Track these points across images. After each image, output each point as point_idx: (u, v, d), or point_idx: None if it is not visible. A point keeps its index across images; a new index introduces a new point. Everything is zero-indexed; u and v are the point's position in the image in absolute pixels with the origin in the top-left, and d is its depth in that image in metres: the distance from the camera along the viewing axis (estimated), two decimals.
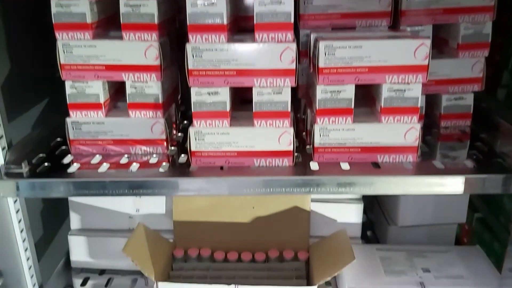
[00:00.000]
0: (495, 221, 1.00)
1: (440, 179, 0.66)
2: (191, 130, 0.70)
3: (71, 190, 0.68)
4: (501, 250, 0.96)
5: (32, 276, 0.78)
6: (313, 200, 0.87)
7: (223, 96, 0.68)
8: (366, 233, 1.01)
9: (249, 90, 0.70)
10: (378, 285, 0.76)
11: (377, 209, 1.02)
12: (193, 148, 0.71)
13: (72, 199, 0.89)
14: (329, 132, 0.70)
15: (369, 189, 0.67)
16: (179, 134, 0.85)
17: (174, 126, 0.85)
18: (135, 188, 0.68)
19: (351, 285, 0.76)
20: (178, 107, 0.88)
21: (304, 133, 0.82)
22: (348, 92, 0.68)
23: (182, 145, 0.79)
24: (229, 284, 0.75)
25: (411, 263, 0.80)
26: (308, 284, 0.78)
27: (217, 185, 0.68)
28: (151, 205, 0.89)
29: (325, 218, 0.88)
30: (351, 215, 0.88)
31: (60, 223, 0.99)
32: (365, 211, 0.97)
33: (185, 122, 0.90)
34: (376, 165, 0.71)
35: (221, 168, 0.71)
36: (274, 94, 0.68)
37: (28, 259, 0.77)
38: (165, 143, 0.76)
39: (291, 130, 0.69)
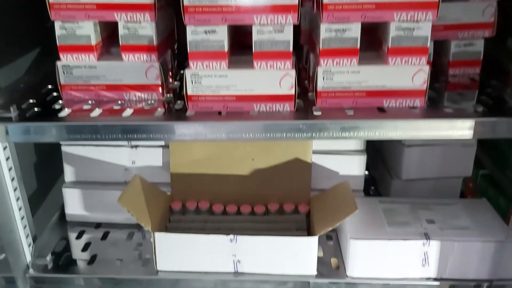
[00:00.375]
0: (501, 176, 0.98)
1: (450, 122, 0.63)
2: (187, 72, 0.66)
3: (63, 134, 0.65)
4: (506, 205, 0.93)
5: (25, 227, 0.76)
6: (314, 152, 0.84)
7: (221, 34, 0.64)
8: (368, 190, 0.99)
9: (248, 35, 0.66)
10: (381, 236, 0.74)
11: (380, 165, 0.99)
12: (189, 92, 0.67)
13: (66, 150, 0.86)
14: (333, 75, 0.67)
15: (375, 133, 0.64)
16: (176, 83, 0.81)
17: (170, 74, 0.81)
18: (129, 132, 0.65)
19: (353, 236, 0.74)
20: (174, 56, 0.85)
21: (306, 81, 0.79)
22: (354, 30, 0.64)
23: (179, 94, 0.76)
24: (227, 234, 0.73)
25: (415, 215, 0.78)
26: (309, 235, 0.76)
27: (215, 129, 0.65)
28: (147, 157, 0.86)
29: (327, 170, 0.86)
30: (353, 167, 0.86)
31: (55, 177, 0.97)
32: (367, 168, 0.95)
33: (182, 72, 0.86)
34: (381, 110, 0.68)
35: (219, 113, 0.68)
36: (275, 32, 0.64)
37: (20, 209, 0.74)
38: (160, 89, 0.72)
39: (293, 73, 0.66)
